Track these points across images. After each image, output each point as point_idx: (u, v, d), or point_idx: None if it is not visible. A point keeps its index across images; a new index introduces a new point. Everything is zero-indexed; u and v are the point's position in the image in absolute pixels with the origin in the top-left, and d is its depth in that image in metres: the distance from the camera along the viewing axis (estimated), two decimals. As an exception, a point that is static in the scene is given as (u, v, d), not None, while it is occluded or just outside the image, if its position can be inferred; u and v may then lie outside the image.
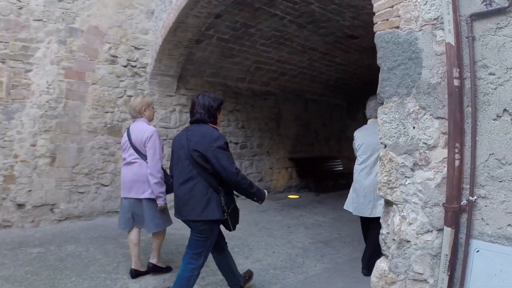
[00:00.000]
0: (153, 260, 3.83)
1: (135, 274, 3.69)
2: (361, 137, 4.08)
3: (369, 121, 4.16)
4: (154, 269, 3.81)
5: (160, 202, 3.54)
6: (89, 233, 5.23)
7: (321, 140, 10.16)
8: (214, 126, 2.97)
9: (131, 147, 3.63)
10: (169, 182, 3.52)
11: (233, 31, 6.34)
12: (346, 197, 4.25)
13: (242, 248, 4.84)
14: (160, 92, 6.76)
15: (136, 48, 6.46)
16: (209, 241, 2.89)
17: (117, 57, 6.24)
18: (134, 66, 6.45)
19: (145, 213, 3.61)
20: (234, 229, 2.93)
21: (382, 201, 3.79)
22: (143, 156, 3.58)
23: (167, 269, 3.89)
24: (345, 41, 7.25)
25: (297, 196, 8.83)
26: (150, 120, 3.82)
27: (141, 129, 3.61)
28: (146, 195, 3.55)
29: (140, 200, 3.60)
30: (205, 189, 2.77)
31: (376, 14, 2.64)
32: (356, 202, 4.02)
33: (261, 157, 8.59)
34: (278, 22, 6.27)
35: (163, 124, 6.83)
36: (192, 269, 2.87)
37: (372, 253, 3.91)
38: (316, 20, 6.23)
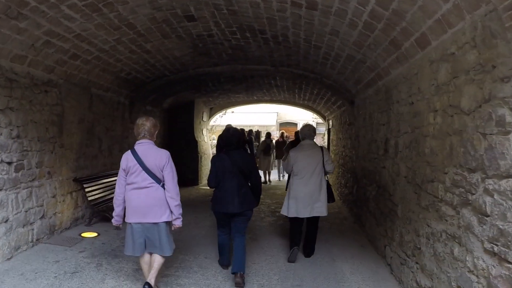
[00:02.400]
0: (152, 281, 3.74)
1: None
2: (294, 157, 5.29)
3: (302, 141, 5.50)
4: None
5: (178, 223, 3.79)
6: None
7: (104, 150, 7.70)
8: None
9: (143, 171, 3.62)
10: None
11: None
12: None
13: None
14: None
15: None
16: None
17: None
18: None
19: (161, 236, 3.70)
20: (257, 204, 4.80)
21: (318, 204, 5.15)
22: (158, 180, 3.67)
23: None
24: (177, 22, 5.58)
25: (96, 234, 6.27)
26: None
27: (156, 153, 3.69)
28: (164, 218, 3.69)
29: (156, 224, 3.67)
30: (251, 190, 4.62)
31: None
32: (295, 207, 5.18)
33: (42, 182, 5.51)
34: (117, -27, 3.99)
35: None
36: (244, 239, 4.55)
37: (312, 241, 5.38)
38: (169, -16, 4.38)
